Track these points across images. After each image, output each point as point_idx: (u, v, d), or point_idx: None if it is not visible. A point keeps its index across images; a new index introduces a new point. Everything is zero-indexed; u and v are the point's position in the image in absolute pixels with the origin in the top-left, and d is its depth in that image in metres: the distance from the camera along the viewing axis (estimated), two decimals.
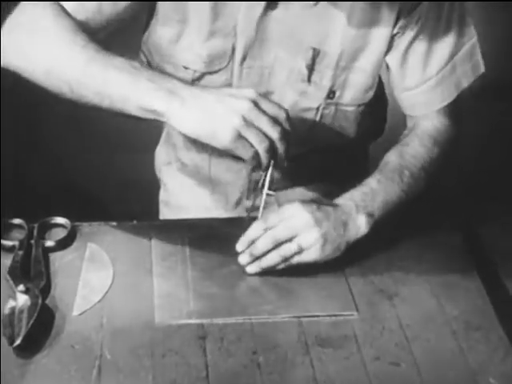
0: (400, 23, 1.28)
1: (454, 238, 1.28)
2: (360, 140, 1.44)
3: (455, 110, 1.37)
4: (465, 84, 1.34)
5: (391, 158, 1.30)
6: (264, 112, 1.10)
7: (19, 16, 1.13)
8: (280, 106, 1.12)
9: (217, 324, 1.10)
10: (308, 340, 1.08)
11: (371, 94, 1.35)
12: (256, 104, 1.10)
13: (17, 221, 1.25)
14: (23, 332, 1.04)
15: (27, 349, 1.04)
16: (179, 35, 1.29)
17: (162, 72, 1.20)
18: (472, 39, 1.32)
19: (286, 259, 1.15)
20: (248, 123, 1.08)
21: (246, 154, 1.10)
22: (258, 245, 1.15)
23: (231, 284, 1.17)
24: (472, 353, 1.07)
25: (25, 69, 1.13)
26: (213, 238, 1.26)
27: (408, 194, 1.26)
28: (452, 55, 1.31)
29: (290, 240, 1.14)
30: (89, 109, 1.14)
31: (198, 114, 1.09)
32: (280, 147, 1.11)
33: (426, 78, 1.33)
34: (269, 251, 1.15)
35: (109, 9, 1.23)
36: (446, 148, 1.35)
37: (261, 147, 1.09)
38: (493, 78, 1.44)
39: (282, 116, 1.11)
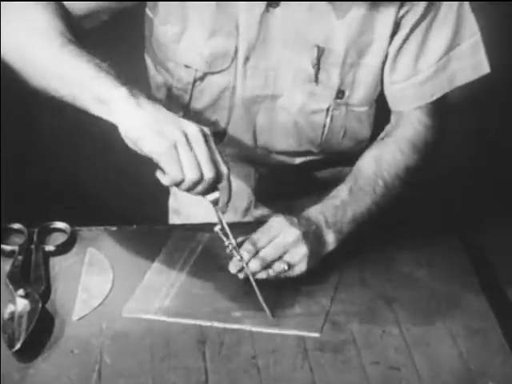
0: (404, 17, 1.26)
1: (453, 242, 1.28)
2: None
3: (440, 110, 1.34)
4: (461, 81, 1.32)
5: (366, 163, 1.28)
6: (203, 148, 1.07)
7: (14, 17, 1.19)
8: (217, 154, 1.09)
9: (216, 328, 1.10)
10: (307, 344, 1.08)
11: (378, 89, 1.33)
12: (204, 136, 1.08)
13: (17, 225, 1.25)
14: (23, 336, 1.04)
15: (27, 353, 1.04)
16: (181, 33, 1.28)
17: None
18: (474, 36, 1.30)
19: (276, 275, 1.15)
20: (188, 145, 1.06)
21: (173, 172, 1.06)
22: (251, 266, 1.14)
23: (216, 287, 1.17)
24: (472, 357, 1.07)
25: (15, 65, 1.18)
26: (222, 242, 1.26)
27: (379, 205, 1.25)
28: (448, 50, 1.29)
29: (279, 258, 1.15)
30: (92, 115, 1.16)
31: (147, 117, 1.07)
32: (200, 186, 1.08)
33: (415, 72, 1.30)
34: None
35: None
36: (427, 152, 1.32)
37: (190, 173, 1.06)
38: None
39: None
